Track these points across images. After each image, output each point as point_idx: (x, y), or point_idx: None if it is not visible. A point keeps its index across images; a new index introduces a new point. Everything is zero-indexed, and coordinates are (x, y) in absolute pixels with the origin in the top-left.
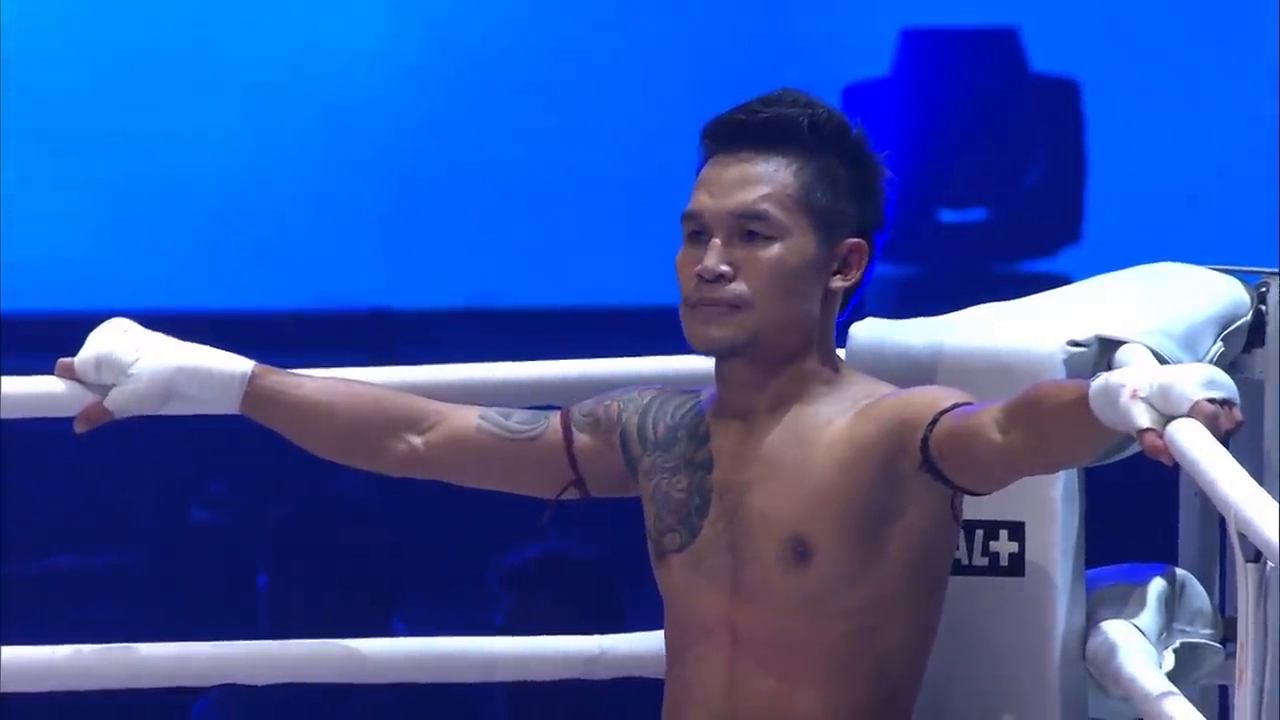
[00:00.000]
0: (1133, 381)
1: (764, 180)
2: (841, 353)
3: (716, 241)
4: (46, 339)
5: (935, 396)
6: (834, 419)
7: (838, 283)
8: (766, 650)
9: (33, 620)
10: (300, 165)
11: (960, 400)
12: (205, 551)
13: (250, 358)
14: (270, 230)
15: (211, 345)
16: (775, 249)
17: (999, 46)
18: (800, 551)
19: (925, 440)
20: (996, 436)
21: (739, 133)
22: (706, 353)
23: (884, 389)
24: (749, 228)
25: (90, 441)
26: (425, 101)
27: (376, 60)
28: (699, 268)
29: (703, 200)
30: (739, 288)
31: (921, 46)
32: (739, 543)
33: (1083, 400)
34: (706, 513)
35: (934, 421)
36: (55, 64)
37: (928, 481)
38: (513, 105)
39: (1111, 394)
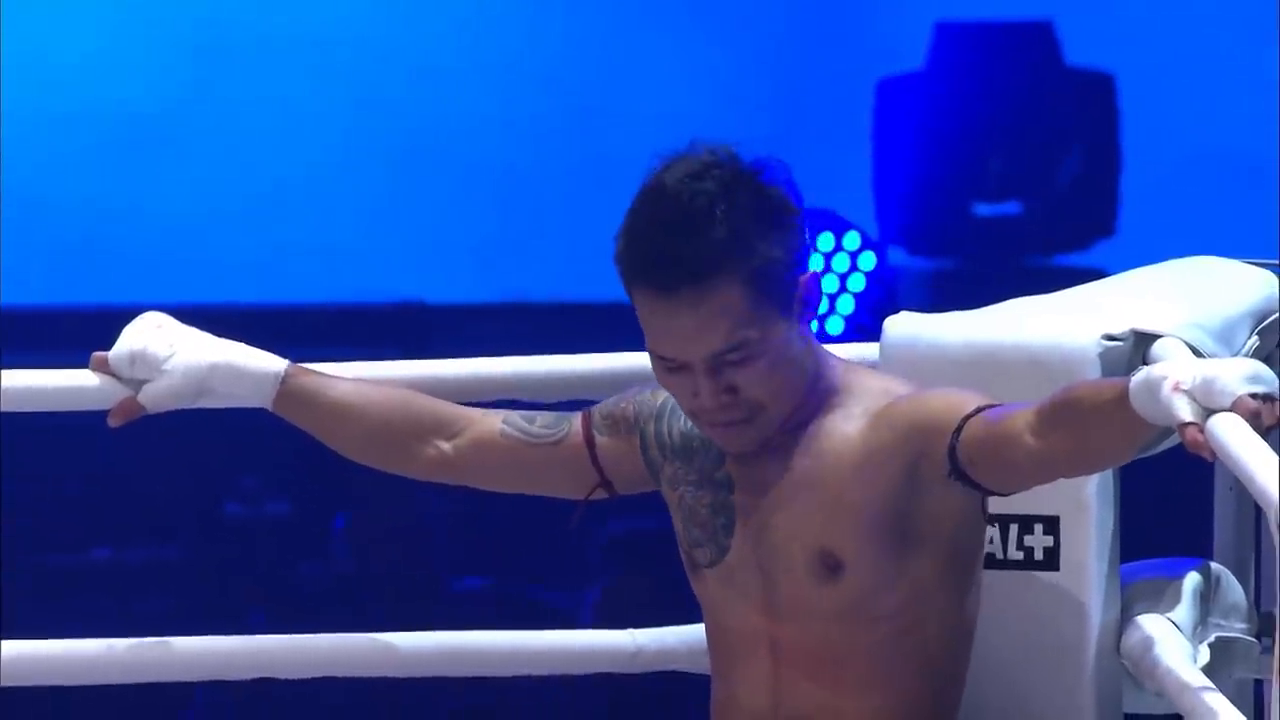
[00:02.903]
0: (1175, 374)
1: (722, 315)
2: (875, 347)
3: (702, 378)
4: (82, 333)
5: (956, 402)
6: (848, 428)
7: (808, 318)
8: (809, 662)
9: (68, 614)
10: (336, 162)
11: (982, 403)
12: (240, 544)
13: (286, 350)
14: (306, 226)
15: (247, 338)
16: (762, 362)
17: (1033, 40)
18: (830, 565)
19: (952, 448)
20: (1032, 441)
21: (672, 276)
22: (741, 453)
23: (896, 388)
24: (730, 359)
25: (126, 436)
26: (461, 99)
27: (412, 58)
28: (700, 408)
29: (670, 350)
30: (745, 400)
31: (956, 40)
32: (767, 562)
33: (1122, 397)
34: (732, 532)
35: (959, 428)
36: (90, 61)
37: (956, 486)
38: (547, 101)
39: (1153, 387)
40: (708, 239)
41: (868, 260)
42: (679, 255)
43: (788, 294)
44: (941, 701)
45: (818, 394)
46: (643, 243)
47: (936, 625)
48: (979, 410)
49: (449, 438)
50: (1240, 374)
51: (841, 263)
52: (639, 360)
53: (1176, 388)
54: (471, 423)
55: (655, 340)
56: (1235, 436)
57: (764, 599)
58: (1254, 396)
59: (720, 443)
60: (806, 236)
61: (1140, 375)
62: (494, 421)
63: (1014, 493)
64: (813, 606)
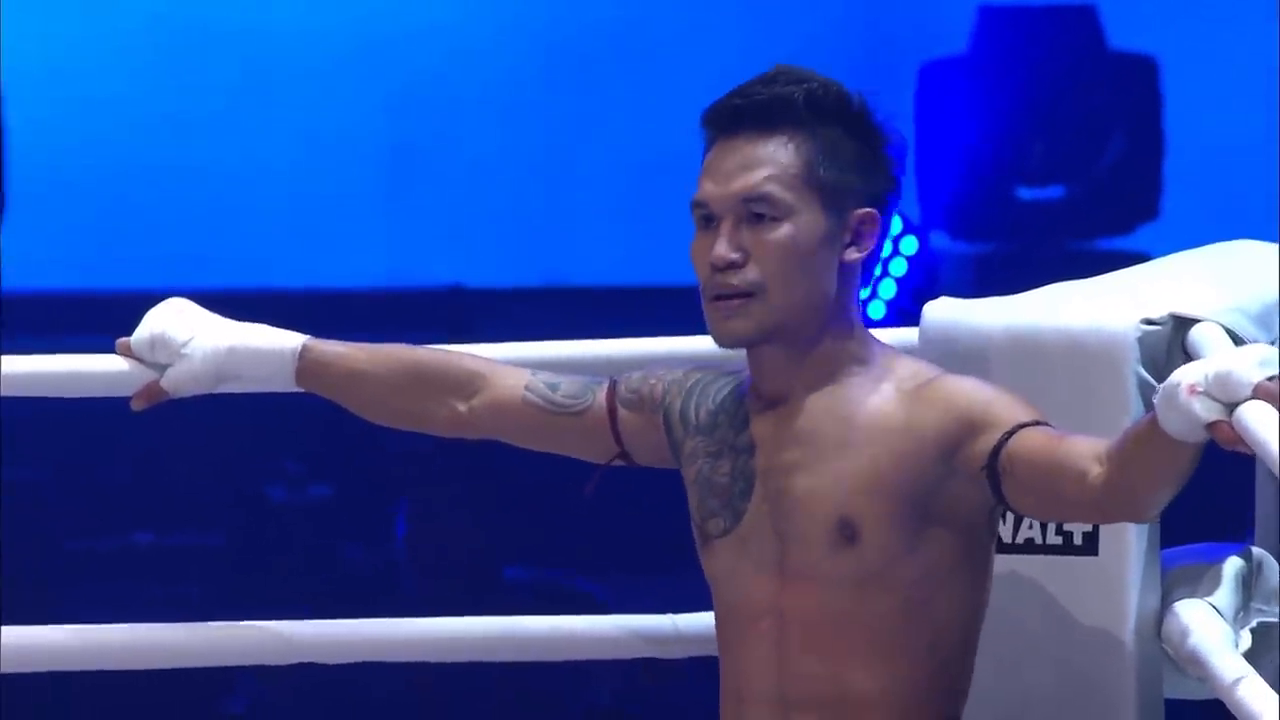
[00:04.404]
0: (1187, 377)
1: (765, 161)
2: (914, 332)
3: (725, 228)
4: (119, 317)
5: (1009, 403)
6: (875, 400)
7: (852, 255)
8: (816, 631)
9: (113, 598)
10: (375, 146)
11: (1037, 418)
12: (282, 530)
13: (327, 336)
14: (346, 210)
15: (284, 324)
16: (783, 229)
17: (1077, 23)
18: (847, 533)
19: (997, 449)
20: (1096, 470)
21: (737, 116)
22: (731, 346)
23: (927, 369)
24: (755, 210)
25: (167, 419)
26: (498, 83)
27: (448, 42)
28: (710, 256)
29: (707, 188)
30: (751, 273)
31: (999, 24)
32: (784, 526)
33: (1154, 421)
34: (750, 496)
35: (1011, 432)
36: (125, 46)
37: (981, 483)
38: (587, 84)
39: (1169, 396)
40: (787, 95)
41: (910, 244)
42: (754, 96)
43: (841, 200)
44: (946, 686)
45: (842, 352)
46: (732, 89)
47: (945, 603)
48: (1036, 424)
49: (465, 398)
50: (1252, 361)
51: (884, 246)
52: (678, 345)
53: (1192, 390)
54: (490, 383)
55: (700, 184)
56: (1264, 424)
57: (777, 565)
58: (1271, 379)
59: (714, 327)
60: (890, 182)
61: (1158, 393)
62: (516, 384)
63: (1029, 516)
64: (825, 573)
